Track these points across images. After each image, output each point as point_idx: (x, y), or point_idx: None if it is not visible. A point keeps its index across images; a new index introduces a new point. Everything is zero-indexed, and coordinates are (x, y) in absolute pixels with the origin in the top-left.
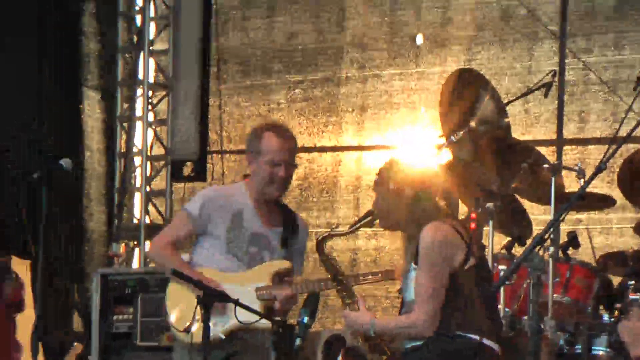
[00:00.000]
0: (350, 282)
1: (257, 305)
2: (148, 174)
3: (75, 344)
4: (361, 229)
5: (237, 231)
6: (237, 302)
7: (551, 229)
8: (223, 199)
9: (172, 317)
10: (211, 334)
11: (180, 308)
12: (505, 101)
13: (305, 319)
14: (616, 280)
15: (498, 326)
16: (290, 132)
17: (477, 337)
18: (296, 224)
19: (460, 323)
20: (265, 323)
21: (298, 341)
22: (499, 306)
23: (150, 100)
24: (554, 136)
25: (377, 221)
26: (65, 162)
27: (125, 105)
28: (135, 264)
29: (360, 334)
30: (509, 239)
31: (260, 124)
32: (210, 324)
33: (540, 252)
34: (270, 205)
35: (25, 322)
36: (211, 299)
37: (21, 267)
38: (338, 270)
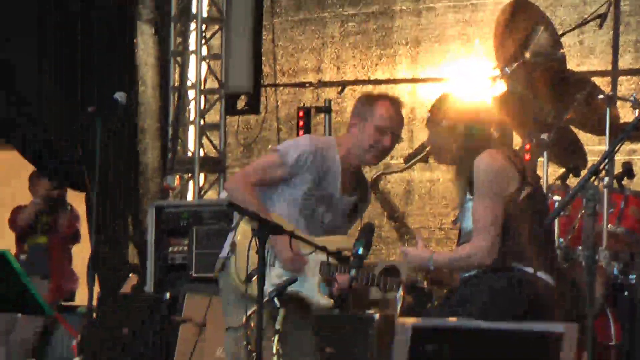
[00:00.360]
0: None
1: (316, 279)
2: (202, 108)
3: (130, 275)
4: (401, 171)
5: (316, 190)
6: (292, 234)
7: (606, 160)
8: (317, 155)
9: (235, 264)
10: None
11: (245, 256)
12: (560, 32)
13: (360, 250)
14: None
15: (554, 258)
16: (401, 104)
17: (532, 270)
18: (369, 194)
19: (515, 255)
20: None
21: (352, 272)
22: (554, 237)
23: (203, 35)
24: (609, 67)
25: (432, 156)
26: (120, 96)
27: (179, 40)
28: (189, 197)
29: (420, 270)
30: (563, 170)
31: (372, 92)
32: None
33: (595, 183)
34: (353, 170)
35: (81, 254)
36: (267, 231)
37: (77, 200)
38: (394, 207)
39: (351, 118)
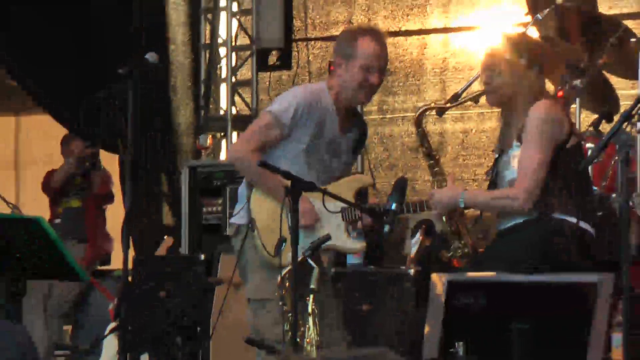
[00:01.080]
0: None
1: (342, 225)
2: (233, 65)
3: (165, 237)
4: (451, 110)
5: (318, 139)
6: (325, 191)
7: (638, 105)
8: (312, 105)
9: (264, 239)
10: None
11: (269, 229)
12: None
13: (394, 206)
14: None
15: (593, 207)
16: (385, 38)
17: (575, 220)
18: (366, 129)
19: (559, 204)
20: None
21: (386, 228)
22: None
23: None
24: None
25: (485, 97)
26: (151, 56)
27: None
28: (222, 156)
29: (446, 214)
30: (596, 116)
31: (352, 28)
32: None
33: (628, 129)
34: (347, 109)
35: (115, 215)
36: (299, 189)
37: (110, 162)
38: (431, 145)
39: (335, 57)
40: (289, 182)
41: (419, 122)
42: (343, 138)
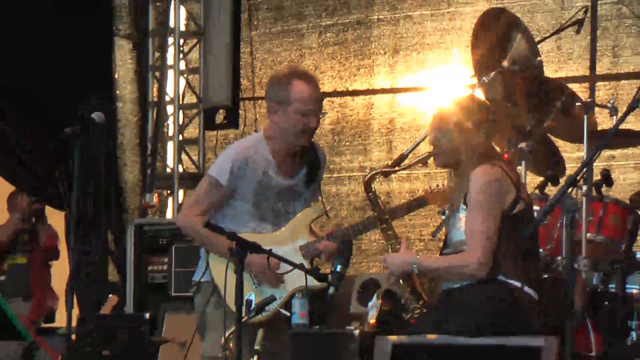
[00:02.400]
0: (393, 216)
1: (306, 265)
2: (181, 123)
3: (110, 295)
4: (397, 171)
5: (264, 191)
6: (270, 253)
7: (583, 170)
8: (249, 161)
9: (230, 302)
10: (270, 311)
11: (230, 288)
12: (538, 39)
13: (339, 267)
14: None
15: (537, 271)
16: (315, 78)
17: (519, 284)
18: (317, 157)
19: (503, 268)
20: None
21: (331, 290)
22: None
23: (181, 49)
24: (587, 72)
25: (432, 159)
26: (97, 116)
27: (157, 54)
28: (169, 214)
29: (400, 277)
30: (542, 178)
31: (283, 70)
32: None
33: (574, 192)
34: (292, 152)
35: (60, 273)
36: (245, 250)
37: (56, 219)
38: (383, 209)
39: (269, 103)
40: (228, 247)
41: (368, 186)
42: (294, 181)
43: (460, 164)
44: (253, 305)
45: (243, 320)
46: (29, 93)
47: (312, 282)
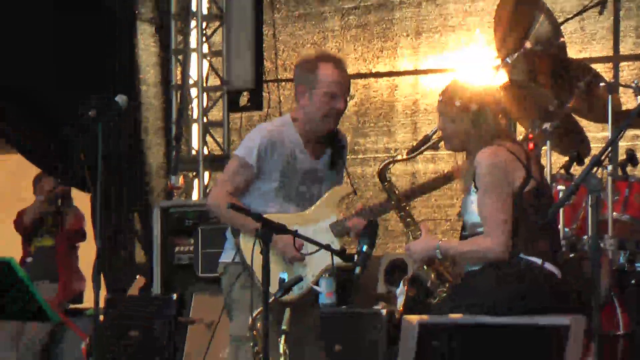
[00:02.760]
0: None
1: (337, 242)
2: (205, 105)
3: (137, 276)
4: (408, 159)
5: (291, 172)
6: (295, 234)
7: (608, 150)
8: (275, 142)
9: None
10: (303, 288)
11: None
12: (561, 20)
13: (365, 248)
14: None
15: (559, 249)
16: (344, 61)
17: (539, 261)
18: (339, 137)
19: (523, 246)
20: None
21: (358, 270)
22: (559, 226)
23: (204, 32)
24: (611, 53)
25: (442, 143)
26: (121, 99)
27: (180, 38)
28: (194, 196)
29: (425, 262)
30: (567, 158)
31: (310, 54)
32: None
33: (599, 172)
34: (319, 135)
35: (87, 256)
36: (270, 231)
37: (82, 201)
38: (400, 197)
39: (296, 86)
40: (255, 228)
41: (383, 175)
42: (318, 163)
43: (467, 146)
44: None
45: (271, 300)
46: (52, 76)
47: (339, 260)
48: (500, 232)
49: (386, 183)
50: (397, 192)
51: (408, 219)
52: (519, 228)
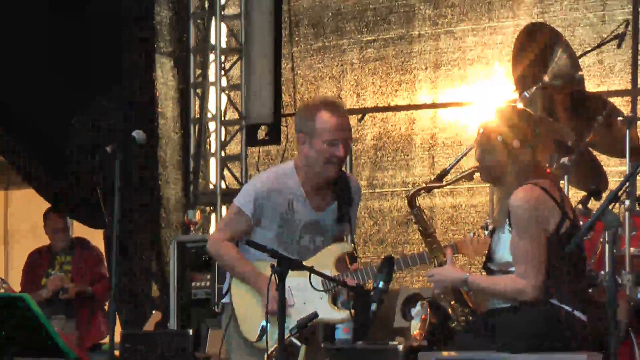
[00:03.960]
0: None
1: (325, 297)
2: (223, 139)
3: (154, 312)
4: (442, 187)
5: (289, 223)
6: (312, 270)
7: (626, 184)
8: (275, 191)
9: (243, 327)
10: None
11: (248, 315)
12: (579, 53)
13: (381, 284)
14: None
15: (585, 289)
16: (343, 107)
17: (570, 308)
18: (349, 189)
19: (554, 291)
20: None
21: (373, 306)
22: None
23: (223, 66)
24: (629, 86)
25: (478, 174)
26: (138, 134)
27: (198, 72)
28: (212, 230)
29: (447, 292)
30: (584, 193)
31: (310, 101)
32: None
33: (616, 207)
34: (322, 184)
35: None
36: (286, 267)
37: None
38: (428, 224)
39: (297, 134)
40: (271, 264)
41: (413, 202)
42: (322, 215)
43: (504, 180)
44: (268, 330)
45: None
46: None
47: (330, 315)
48: (535, 275)
49: (416, 209)
50: (425, 218)
51: (434, 245)
52: (551, 271)
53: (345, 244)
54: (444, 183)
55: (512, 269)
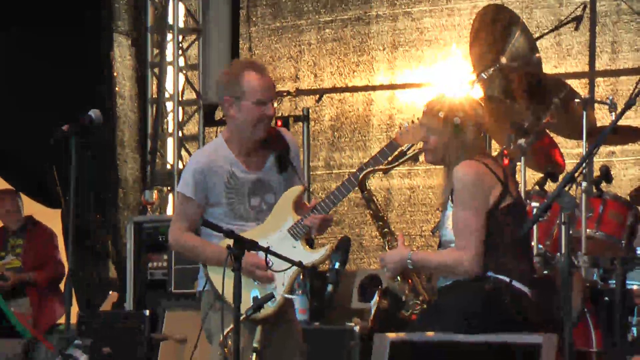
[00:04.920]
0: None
1: (299, 244)
2: (180, 119)
3: (110, 292)
4: (389, 169)
5: (235, 190)
6: (268, 250)
7: (582, 166)
8: (212, 164)
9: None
10: (276, 301)
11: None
12: (537, 35)
13: (337, 265)
14: None
15: (531, 267)
16: (265, 68)
17: (507, 279)
18: (283, 139)
19: (492, 264)
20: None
21: (330, 287)
22: (532, 243)
23: (180, 45)
24: (586, 68)
25: (423, 155)
26: (95, 114)
27: (156, 51)
28: (169, 211)
29: (398, 272)
30: (541, 174)
31: (231, 66)
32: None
33: (573, 188)
34: (254, 146)
35: None
36: (242, 247)
37: (53, 217)
38: (379, 207)
39: (222, 99)
40: (227, 245)
41: (362, 185)
42: (264, 173)
43: (447, 160)
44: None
45: (242, 318)
46: (26, 91)
47: (311, 259)
48: (473, 246)
49: (365, 192)
50: (375, 202)
51: (385, 229)
52: (490, 245)
53: (296, 187)
54: (391, 165)
55: (453, 245)
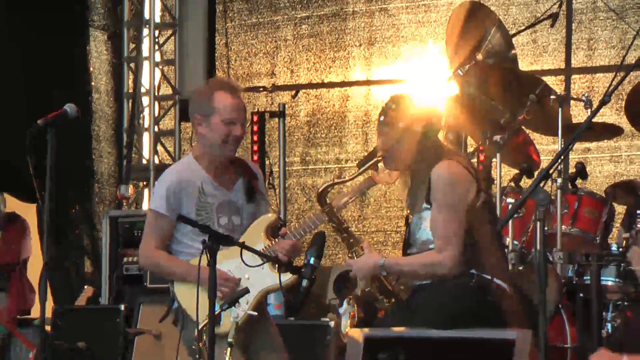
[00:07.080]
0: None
1: (266, 267)
2: (156, 114)
3: (85, 287)
4: (347, 181)
5: (205, 207)
6: (242, 245)
7: (557, 164)
8: (184, 180)
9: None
10: (239, 317)
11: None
12: (513, 31)
13: (312, 260)
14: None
15: (505, 263)
16: (239, 88)
17: (489, 277)
18: (248, 166)
19: (472, 261)
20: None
21: (305, 282)
22: (507, 239)
23: (157, 40)
24: (563, 65)
25: (383, 163)
26: (70, 108)
27: (132, 46)
28: (145, 206)
29: (369, 279)
30: (517, 171)
31: (206, 84)
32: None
33: (548, 185)
34: (223, 165)
35: (35, 266)
36: (217, 242)
37: (28, 211)
38: (340, 219)
39: (193, 116)
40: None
41: (322, 199)
42: (233, 194)
43: (414, 165)
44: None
45: (217, 312)
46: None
47: (275, 280)
48: (452, 248)
49: (326, 207)
50: (336, 215)
51: (351, 240)
52: (469, 243)
53: (269, 215)
54: (347, 178)
55: (432, 246)
